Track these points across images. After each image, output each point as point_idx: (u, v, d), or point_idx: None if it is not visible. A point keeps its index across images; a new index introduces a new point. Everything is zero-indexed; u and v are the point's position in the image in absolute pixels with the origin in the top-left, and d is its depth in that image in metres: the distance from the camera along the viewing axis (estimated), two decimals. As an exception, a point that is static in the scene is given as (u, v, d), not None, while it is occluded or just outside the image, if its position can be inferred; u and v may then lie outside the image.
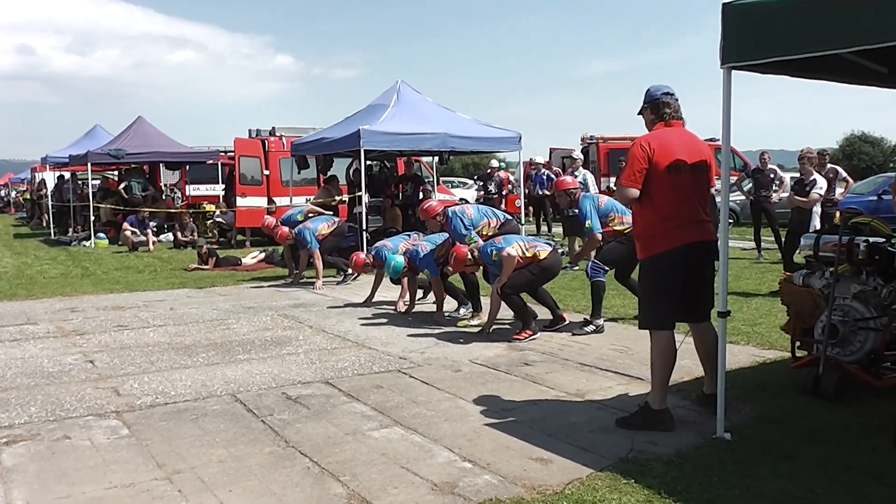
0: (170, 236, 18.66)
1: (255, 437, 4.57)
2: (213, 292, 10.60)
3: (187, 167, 22.51)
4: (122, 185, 20.86)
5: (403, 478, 3.91)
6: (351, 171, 15.96)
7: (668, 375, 4.57)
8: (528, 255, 7.16)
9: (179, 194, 23.46)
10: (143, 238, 17.39)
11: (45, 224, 25.31)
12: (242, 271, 13.01)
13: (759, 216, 13.11)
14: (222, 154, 21.15)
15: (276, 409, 5.12)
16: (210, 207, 20.55)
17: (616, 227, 7.41)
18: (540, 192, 18.21)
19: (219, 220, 19.13)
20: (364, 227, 12.94)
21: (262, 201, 17.39)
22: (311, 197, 15.06)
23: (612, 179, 17.25)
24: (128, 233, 17.52)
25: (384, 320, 8.27)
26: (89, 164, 19.43)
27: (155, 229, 18.15)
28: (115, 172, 23.70)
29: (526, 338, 7.05)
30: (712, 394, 4.54)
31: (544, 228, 18.87)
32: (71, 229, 21.46)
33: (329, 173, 15.58)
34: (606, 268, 7.47)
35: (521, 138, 14.48)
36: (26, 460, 4.27)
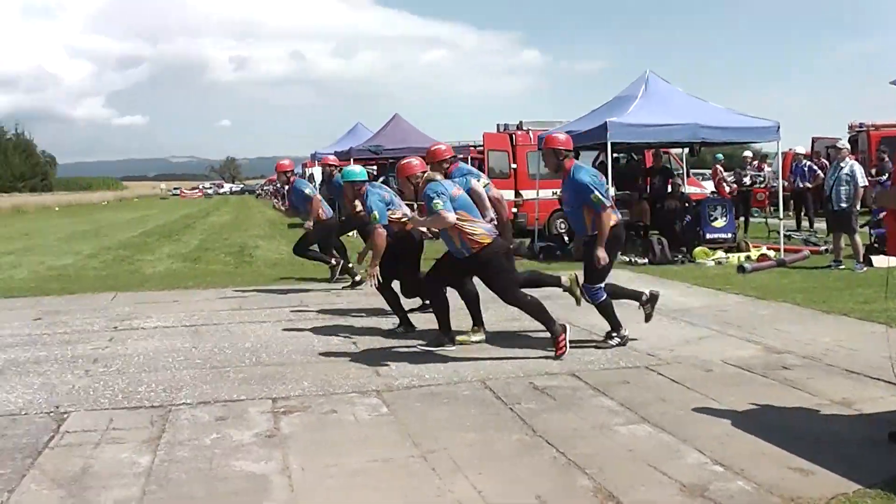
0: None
1: (503, 424, 4.71)
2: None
3: (439, 162, 23.48)
4: (381, 179, 22.20)
5: (651, 476, 3.85)
6: (597, 164, 15.84)
7: None
8: (467, 230, 6.24)
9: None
10: (398, 229, 18.41)
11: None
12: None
13: None
14: (472, 148, 21.84)
15: (524, 398, 5.24)
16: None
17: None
18: (801, 185, 17.05)
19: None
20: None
21: (509, 194, 17.74)
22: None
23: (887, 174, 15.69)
24: (385, 224, 18.63)
25: (629, 316, 8.12)
26: (352, 160, 20.88)
27: (408, 221, 19.14)
28: (375, 167, 25.27)
29: (562, 349, 6.27)
30: None
31: (805, 224, 17.58)
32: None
33: (575, 166, 15.54)
34: (601, 285, 6.65)
35: (779, 128, 13.60)
36: (300, 429, 4.72)
